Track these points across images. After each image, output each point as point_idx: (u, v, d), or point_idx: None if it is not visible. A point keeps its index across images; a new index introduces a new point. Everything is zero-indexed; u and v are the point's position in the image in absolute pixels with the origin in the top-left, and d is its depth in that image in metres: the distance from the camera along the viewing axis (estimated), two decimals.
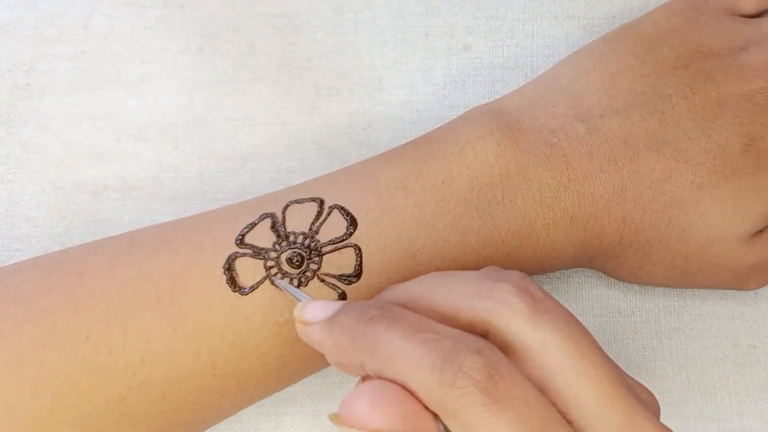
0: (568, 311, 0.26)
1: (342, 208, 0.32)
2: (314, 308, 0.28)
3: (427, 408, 0.24)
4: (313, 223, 0.32)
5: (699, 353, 0.38)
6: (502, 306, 0.25)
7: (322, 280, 0.31)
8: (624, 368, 0.37)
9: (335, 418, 0.25)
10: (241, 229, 0.32)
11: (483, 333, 0.26)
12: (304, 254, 0.32)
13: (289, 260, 0.31)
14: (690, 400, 0.37)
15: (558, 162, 0.33)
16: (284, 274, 0.31)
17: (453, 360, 0.24)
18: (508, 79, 0.41)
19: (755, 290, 0.38)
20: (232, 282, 0.31)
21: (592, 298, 0.38)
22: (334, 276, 0.31)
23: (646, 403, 0.27)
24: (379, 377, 0.25)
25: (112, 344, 0.31)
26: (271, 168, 0.40)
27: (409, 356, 0.24)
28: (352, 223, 0.32)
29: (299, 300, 0.29)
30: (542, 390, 0.25)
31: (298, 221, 0.32)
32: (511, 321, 0.25)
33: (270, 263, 0.31)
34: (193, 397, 0.32)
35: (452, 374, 0.24)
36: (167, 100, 0.41)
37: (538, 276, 0.38)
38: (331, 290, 0.31)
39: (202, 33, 0.41)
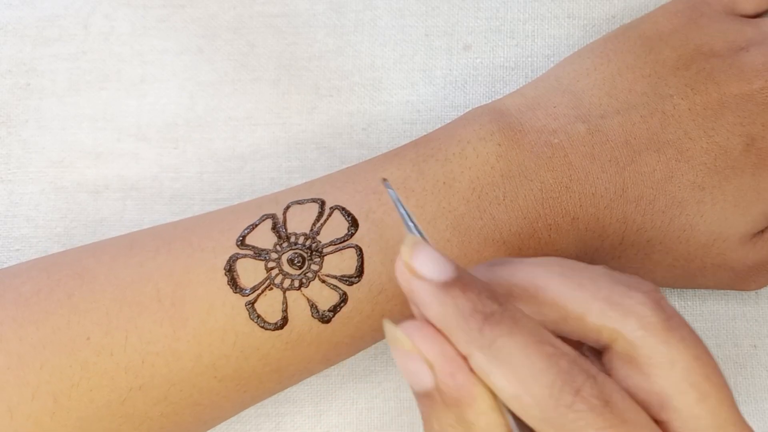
0: (694, 331, 0.25)
1: (343, 209, 0.32)
2: (426, 259, 0.24)
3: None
4: (314, 224, 0.32)
5: None
6: (635, 317, 0.24)
7: (323, 281, 0.31)
8: None
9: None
10: (242, 230, 0.32)
11: (609, 340, 0.25)
12: (305, 255, 0.32)
13: (290, 261, 0.31)
14: None
15: (559, 162, 0.33)
16: (285, 275, 0.31)
17: (572, 381, 0.23)
18: (508, 79, 0.41)
19: (756, 290, 0.38)
20: (233, 283, 0.31)
21: None
22: (335, 277, 0.31)
23: None
24: (481, 373, 0.24)
25: (113, 346, 0.31)
26: (271, 168, 0.40)
27: (528, 369, 0.23)
28: (353, 223, 0.32)
29: (410, 231, 0.26)
30: (661, 407, 0.24)
31: (299, 222, 0.32)
32: (643, 334, 0.24)
33: (271, 264, 0.31)
34: (194, 399, 0.32)
35: (571, 397, 0.23)
36: (167, 100, 0.41)
37: None
38: (332, 291, 0.31)
39: (202, 33, 0.41)
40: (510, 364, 0.23)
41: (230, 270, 0.31)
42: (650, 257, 0.34)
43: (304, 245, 0.32)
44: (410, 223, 0.25)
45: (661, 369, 0.24)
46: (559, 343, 0.24)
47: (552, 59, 0.40)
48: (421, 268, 0.24)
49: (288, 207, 0.33)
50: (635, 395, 0.24)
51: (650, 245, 0.34)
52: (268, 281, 0.31)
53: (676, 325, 0.24)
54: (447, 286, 0.24)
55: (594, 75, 0.35)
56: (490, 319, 0.23)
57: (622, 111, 0.33)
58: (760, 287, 0.36)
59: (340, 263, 0.32)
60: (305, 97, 0.40)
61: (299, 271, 0.31)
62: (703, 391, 0.24)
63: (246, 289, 0.31)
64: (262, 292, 0.31)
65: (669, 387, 0.24)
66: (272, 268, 0.31)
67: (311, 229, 0.32)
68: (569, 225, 0.33)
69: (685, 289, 0.38)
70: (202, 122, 0.40)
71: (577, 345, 0.25)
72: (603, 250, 0.34)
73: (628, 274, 0.26)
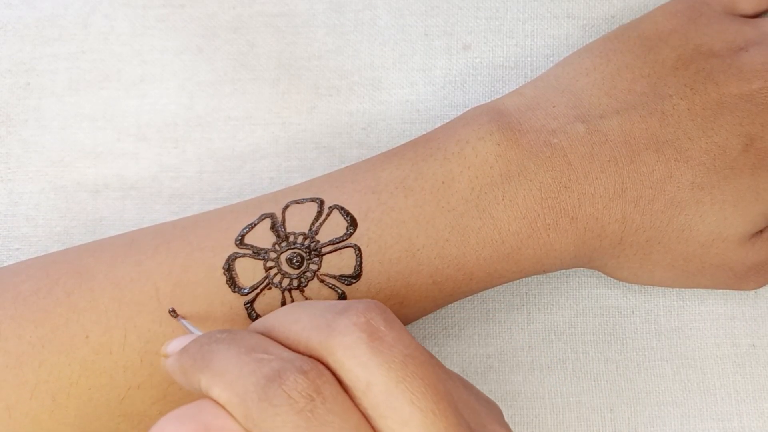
0: (413, 349, 0.25)
1: (342, 209, 0.32)
2: (174, 342, 0.28)
3: None
4: (313, 224, 0.32)
5: (698, 353, 0.38)
6: (336, 340, 0.25)
7: (322, 281, 0.31)
8: (623, 368, 0.37)
9: None
10: (240, 230, 0.32)
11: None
12: (304, 255, 0.32)
13: (289, 261, 0.31)
14: (689, 399, 0.37)
15: (558, 162, 0.33)
16: (284, 275, 0.31)
17: (276, 378, 0.23)
18: (507, 79, 0.41)
19: (755, 290, 0.38)
20: (232, 282, 0.31)
21: (592, 298, 0.38)
22: (334, 277, 0.31)
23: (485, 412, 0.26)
24: (207, 394, 0.25)
25: (112, 345, 0.31)
26: (271, 168, 0.40)
27: (235, 372, 0.24)
28: (352, 223, 0.32)
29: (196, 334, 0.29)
30: (374, 427, 0.24)
31: (298, 221, 0.32)
32: (341, 358, 0.24)
33: (270, 264, 0.31)
34: (192, 398, 0.32)
35: (272, 392, 0.23)
36: (167, 100, 0.41)
37: (538, 276, 0.38)
38: (331, 291, 0.31)
39: (202, 33, 0.41)
40: (222, 373, 0.24)
41: (229, 269, 0.31)
42: (649, 257, 0.34)
43: (303, 245, 0.32)
44: (194, 331, 0.30)
45: (359, 390, 0.24)
46: (279, 350, 0.25)
47: (551, 59, 0.40)
48: (169, 350, 0.28)
49: (287, 206, 0.33)
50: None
51: (649, 245, 0.34)
52: (267, 281, 0.31)
53: (381, 346, 0.24)
54: (183, 347, 0.27)
55: (593, 75, 0.35)
56: (213, 342, 0.26)
57: (621, 111, 0.33)
58: (758, 287, 0.36)
59: (338, 263, 0.32)
60: (305, 96, 0.40)
61: (298, 271, 0.31)
62: (404, 415, 0.24)
63: (245, 289, 0.31)
64: (261, 291, 0.31)
65: (370, 409, 0.24)
66: (271, 268, 0.31)
67: (310, 229, 0.32)
68: (568, 225, 0.33)
69: (684, 289, 0.38)
70: (202, 122, 0.40)
71: None
72: (602, 249, 0.34)
73: (354, 300, 0.26)
